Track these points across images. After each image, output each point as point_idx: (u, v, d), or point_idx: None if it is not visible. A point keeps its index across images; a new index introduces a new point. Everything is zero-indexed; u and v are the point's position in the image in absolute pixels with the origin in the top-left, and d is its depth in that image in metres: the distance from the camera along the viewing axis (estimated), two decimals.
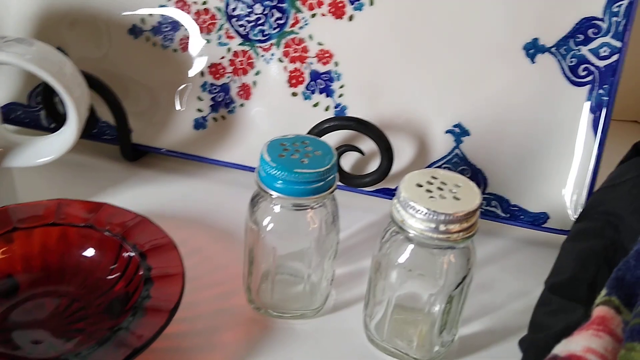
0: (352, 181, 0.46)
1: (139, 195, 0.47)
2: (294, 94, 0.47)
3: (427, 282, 0.34)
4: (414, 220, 0.31)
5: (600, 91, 0.42)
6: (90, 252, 0.37)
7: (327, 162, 0.33)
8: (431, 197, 0.31)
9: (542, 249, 0.45)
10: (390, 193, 0.46)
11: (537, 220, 0.44)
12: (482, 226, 0.32)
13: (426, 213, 0.30)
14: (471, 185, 0.32)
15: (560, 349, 0.23)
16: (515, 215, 0.45)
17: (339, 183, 0.41)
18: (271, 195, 0.34)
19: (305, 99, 0.47)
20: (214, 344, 0.35)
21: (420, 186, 0.32)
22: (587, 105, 0.43)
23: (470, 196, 0.32)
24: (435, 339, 0.35)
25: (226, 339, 0.36)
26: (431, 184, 0.32)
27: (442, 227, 0.31)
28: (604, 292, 0.25)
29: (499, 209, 0.45)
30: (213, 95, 0.49)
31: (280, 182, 0.33)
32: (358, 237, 0.45)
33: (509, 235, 0.46)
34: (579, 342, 0.23)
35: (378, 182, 0.45)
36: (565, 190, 0.44)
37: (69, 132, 0.39)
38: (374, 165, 0.46)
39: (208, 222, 0.45)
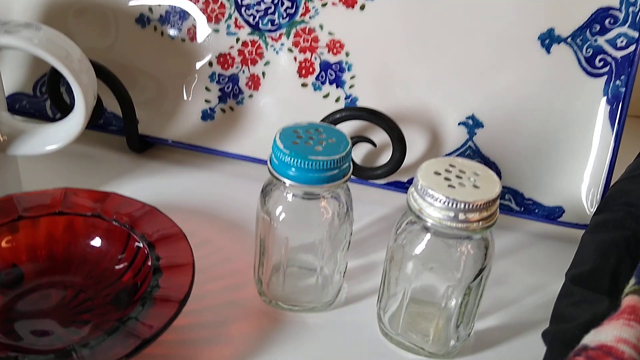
0: (364, 173, 0.45)
1: (145, 187, 0.46)
2: (304, 85, 0.46)
3: (443, 274, 0.33)
4: (432, 209, 0.30)
5: (617, 82, 0.41)
6: (97, 242, 0.37)
7: (342, 149, 0.33)
8: (450, 185, 0.30)
9: (557, 243, 0.44)
10: (401, 186, 0.45)
11: (552, 214, 0.43)
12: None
13: (445, 201, 0.30)
14: (490, 173, 0.32)
15: (589, 339, 0.23)
16: (529, 208, 0.44)
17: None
18: (284, 183, 0.33)
19: (316, 89, 0.46)
20: (222, 337, 0.35)
21: (439, 174, 0.31)
22: (603, 96, 0.42)
23: (490, 185, 0.31)
24: (451, 333, 0.34)
25: (235, 331, 0.35)
26: (449, 172, 0.31)
27: (461, 216, 0.30)
28: (632, 281, 0.24)
29: (513, 203, 0.44)
30: (221, 86, 0.48)
31: (294, 169, 0.32)
32: (369, 230, 0.44)
33: (523, 229, 0.45)
34: (609, 332, 0.22)
35: (390, 174, 0.44)
36: (581, 183, 0.43)
37: (76, 120, 0.38)
38: (385, 157, 0.45)
39: (215, 214, 0.44)
